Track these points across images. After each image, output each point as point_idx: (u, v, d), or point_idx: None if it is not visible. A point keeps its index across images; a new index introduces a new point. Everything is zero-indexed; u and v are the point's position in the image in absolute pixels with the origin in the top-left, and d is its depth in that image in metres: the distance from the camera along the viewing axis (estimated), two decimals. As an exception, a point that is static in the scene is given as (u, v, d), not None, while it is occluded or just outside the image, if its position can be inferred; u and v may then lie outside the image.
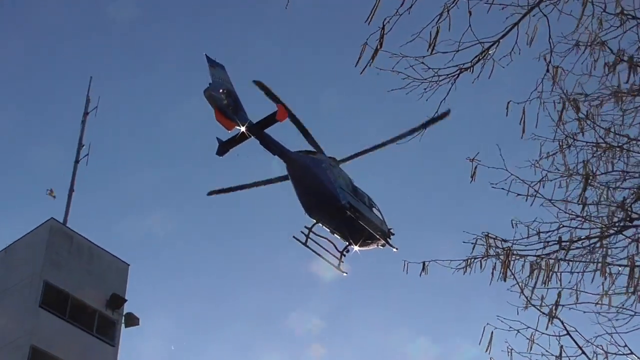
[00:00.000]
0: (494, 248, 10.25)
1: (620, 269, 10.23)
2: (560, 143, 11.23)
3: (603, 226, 10.19)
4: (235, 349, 55.08)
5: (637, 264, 9.99)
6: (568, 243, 9.84)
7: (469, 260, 10.56)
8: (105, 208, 53.14)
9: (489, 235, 9.93)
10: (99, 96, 36.87)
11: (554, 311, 9.66)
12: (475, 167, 10.69)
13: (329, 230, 22.45)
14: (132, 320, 32.27)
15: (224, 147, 21.66)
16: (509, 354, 10.18)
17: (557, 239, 9.97)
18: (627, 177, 10.89)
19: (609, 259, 10.29)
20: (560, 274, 10.37)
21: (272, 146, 21.73)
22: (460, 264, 10.71)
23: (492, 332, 10.23)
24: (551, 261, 10.16)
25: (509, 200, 11.64)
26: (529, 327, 10.17)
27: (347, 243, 22.57)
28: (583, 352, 9.90)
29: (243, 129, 20.80)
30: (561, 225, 10.50)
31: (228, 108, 20.88)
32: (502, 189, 10.43)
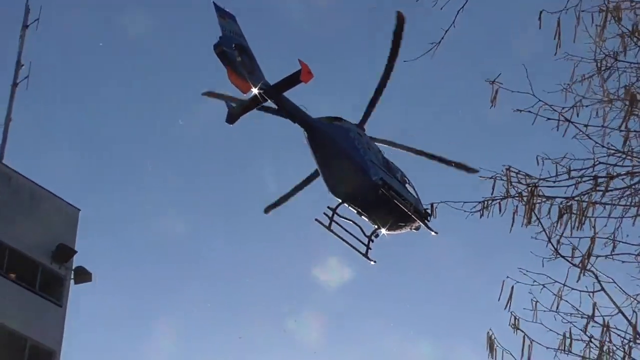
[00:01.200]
0: (515, 187, 10.13)
1: (665, 213, 10.14)
2: (599, 64, 11.05)
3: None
4: (207, 309, 55.40)
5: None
6: (606, 179, 9.70)
7: (486, 202, 10.46)
8: (50, 142, 52.56)
9: (510, 169, 9.77)
10: (40, 5, 36.05)
11: (585, 262, 9.57)
12: (497, 91, 10.52)
13: (355, 212, 22.29)
14: (82, 276, 32.21)
15: (234, 114, 21.05)
16: (534, 309, 10.14)
17: (591, 177, 9.83)
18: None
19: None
20: (595, 220, 10.27)
21: (293, 112, 21.25)
22: (475, 207, 10.62)
23: (512, 287, 10.18)
24: (584, 204, 10.03)
25: (535, 132, 11.49)
26: (556, 281, 10.12)
27: (376, 227, 22.07)
28: (620, 312, 9.87)
29: (254, 90, 20.33)
30: (597, 162, 10.36)
31: (243, 67, 20.14)
32: (529, 111, 10.24)
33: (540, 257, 10.38)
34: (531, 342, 10.06)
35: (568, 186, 9.91)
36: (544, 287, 10.10)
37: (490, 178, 10.20)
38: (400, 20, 19.80)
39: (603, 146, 10.23)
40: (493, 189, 10.32)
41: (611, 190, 10.16)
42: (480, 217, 10.73)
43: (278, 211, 22.83)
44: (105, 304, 47.56)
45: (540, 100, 10.39)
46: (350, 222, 21.73)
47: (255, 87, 19.96)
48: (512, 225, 10.51)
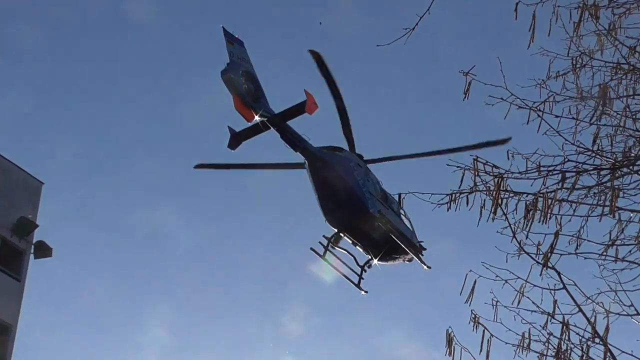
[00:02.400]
0: (483, 182, 10.16)
1: (631, 215, 10.23)
2: (574, 61, 11.12)
3: (616, 162, 10.14)
4: (174, 289, 55.22)
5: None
6: (574, 174, 9.75)
7: (454, 195, 10.49)
8: (12, 107, 51.89)
9: (478, 159, 9.80)
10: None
11: (548, 257, 9.62)
12: (470, 83, 10.54)
13: (350, 242, 22.48)
14: (43, 251, 32.01)
15: (237, 139, 21.39)
16: (494, 307, 10.19)
17: (559, 171, 9.88)
18: (649, 107, 10.83)
19: (619, 203, 10.28)
20: (561, 218, 10.35)
21: (295, 140, 21.30)
22: (443, 199, 10.65)
23: (475, 281, 10.23)
24: (550, 200, 10.09)
25: (506, 128, 11.56)
26: (519, 277, 10.17)
27: (370, 257, 22.58)
28: (580, 310, 9.93)
29: (258, 118, 20.65)
30: (566, 159, 10.43)
31: (248, 94, 20.61)
32: (501, 98, 10.25)
33: (505, 252, 10.45)
34: (490, 337, 10.11)
35: (534, 179, 9.94)
36: (507, 282, 10.14)
37: (460, 169, 10.22)
38: (317, 58, 19.98)
39: (573, 144, 10.30)
40: (461, 181, 10.35)
41: (579, 189, 10.23)
42: (448, 210, 10.78)
43: (276, 209, 23.20)
44: (64, 279, 47.27)
45: (512, 94, 10.43)
46: (344, 251, 22.38)
47: (260, 116, 20.47)
48: (479, 219, 10.56)
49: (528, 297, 10.21)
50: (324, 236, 21.86)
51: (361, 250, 22.27)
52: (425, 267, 22.70)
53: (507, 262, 10.38)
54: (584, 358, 9.83)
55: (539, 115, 10.31)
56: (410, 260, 22.76)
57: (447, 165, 10.01)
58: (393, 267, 23.30)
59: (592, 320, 9.96)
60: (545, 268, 9.68)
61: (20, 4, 49.47)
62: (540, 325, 10.22)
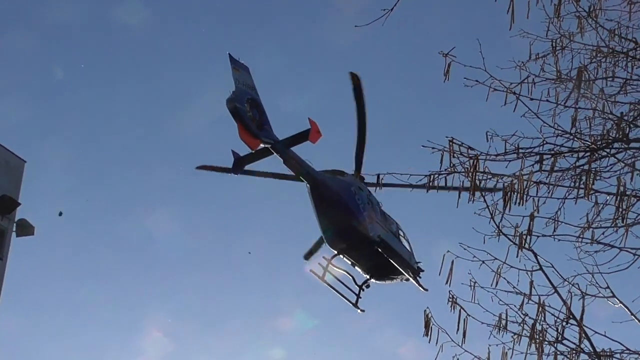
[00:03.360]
0: (461, 163, 10.25)
1: (607, 197, 10.36)
2: (554, 43, 11.21)
3: (594, 145, 10.25)
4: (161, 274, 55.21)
5: (628, 192, 10.11)
6: (550, 157, 9.86)
7: (432, 176, 10.58)
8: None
9: (453, 140, 9.88)
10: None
11: (524, 238, 9.74)
12: (449, 64, 10.60)
13: (349, 263, 23.08)
14: (25, 229, 31.95)
15: (240, 163, 22.04)
16: (472, 288, 10.31)
17: (536, 153, 9.98)
18: (629, 90, 10.94)
19: (596, 186, 10.40)
20: (538, 200, 10.46)
21: (298, 166, 21.90)
22: (421, 180, 10.74)
23: (452, 262, 10.33)
24: (526, 182, 10.19)
25: (486, 110, 11.64)
26: (496, 258, 10.28)
27: (368, 277, 23.36)
28: (556, 291, 10.06)
29: (262, 145, 21.29)
30: (544, 142, 10.53)
31: (253, 122, 21.10)
32: (477, 81, 10.33)
33: (483, 234, 10.56)
34: (467, 317, 10.24)
35: (510, 161, 10.04)
36: (484, 263, 10.25)
37: (439, 150, 10.30)
38: (356, 82, 20.89)
39: (551, 126, 10.39)
40: (441, 162, 10.43)
41: (556, 171, 10.33)
42: (427, 191, 10.87)
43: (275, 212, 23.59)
44: (46, 258, 47.24)
45: (491, 76, 10.51)
46: (342, 271, 23.00)
47: (264, 143, 20.85)
48: (457, 200, 10.66)
49: (505, 279, 10.34)
50: (323, 257, 22.74)
51: (359, 270, 23.04)
52: (421, 289, 23.22)
53: (484, 243, 10.50)
54: (559, 339, 9.98)
55: (517, 97, 10.40)
56: (407, 280, 23.31)
57: (423, 146, 10.09)
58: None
59: (568, 301, 10.10)
60: (521, 249, 9.80)
61: (9, 9, 49.12)
62: (517, 306, 10.37)
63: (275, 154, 21.19)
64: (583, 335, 9.89)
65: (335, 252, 22.66)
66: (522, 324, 10.03)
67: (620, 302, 10.28)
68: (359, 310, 22.94)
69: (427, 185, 10.68)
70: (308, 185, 21.90)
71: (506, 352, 10.23)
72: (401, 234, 23.71)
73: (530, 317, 10.06)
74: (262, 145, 21.14)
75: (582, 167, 10.26)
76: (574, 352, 9.91)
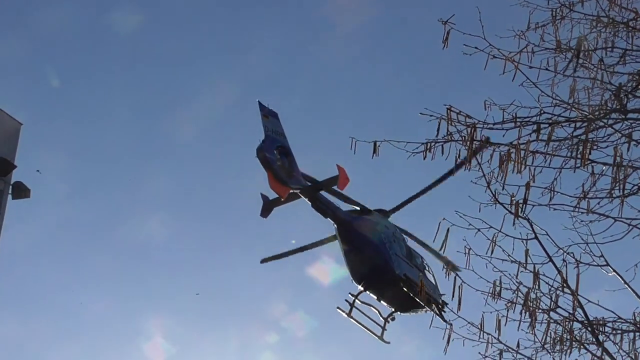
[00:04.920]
0: (459, 132, 10.34)
1: (604, 168, 10.46)
2: (554, 12, 11.25)
3: (591, 115, 10.34)
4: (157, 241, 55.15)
5: (624, 163, 10.20)
6: (548, 126, 9.96)
7: (429, 144, 10.68)
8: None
9: (451, 108, 9.96)
10: None
11: (519, 207, 9.85)
12: (449, 32, 10.66)
13: (375, 297, 23.84)
14: (21, 191, 32.02)
15: (269, 207, 22.82)
16: (466, 254, 10.44)
17: (533, 122, 10.07)
18: (628, 61, 11.01)
19: (592, 156, 10.49)
20: (534, 169, 10.57)
21: (325, 208, 22.67)
22: (418, 148, 10.84)
23: (448, 229, 10.45)
24: (523, 151, 10.29)
25: (484, 78, 11.72)
26: (491, 226, 10.39)
27: (393, 310, 24.11)
28: (551, 260, 10.20)
29: (290, 190, 21.92)
30: (542, 112, 10.64)
31: (282, 170, 21.68)
32: (476, 48, 10.38)
33: (479, 202, 10.69)
34: (462, 284, 10.39)
35: (507, 130, 10.13)
36: (479, 231, 10.36)
37: (436, 118, 10.39)
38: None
39: (549, 96, 10.48)
40: (438, 130, 10.53)
41: (554, 141, 10.43)
42: (424, 158, 10.98)
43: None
44: (42, 220, 47.24)
45: (490, 44, 10.57)
46: (367, 305, 23.85)
47: (293, 190, 21.28)
48: (455, 169, 10.79)
49: (500, 247, 10.45)
50: (350, 293, 23.59)
51: (385, 304, 23.90)
52: (445, 322, 23.61)
53: (480, 211, 10.63)
54: (552, 307, 10.14)
55: (515, 66, 10.47)
56: (427, 311, 23.89)
57: (421, 114, 10.18)
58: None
59: (563, 270, 10.24)
60: (516, 218, 9.92)
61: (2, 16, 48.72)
62: (512, 274, 10.52)
63: (303, 197, 22.02)
64: (577, 303, 10.05)
65: (362, 288, 23.50)
66: (516, 292, 10.19)
67: (614, 271, 10.43)
68: (386, 343, 23.93)
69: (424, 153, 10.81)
70: (335, 226, 22.73)
71: (500, 320, 10.41)
72: (426, 267, 24.44)
73: (524, 285, 10.21)
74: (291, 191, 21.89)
75: (579, 137, 10.36)
76: (567, 320, 10.07)
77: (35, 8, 47.62)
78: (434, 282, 24.30)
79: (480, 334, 10.68)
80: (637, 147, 10.24)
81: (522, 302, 10.15)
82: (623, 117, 10.52)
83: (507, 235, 10.38)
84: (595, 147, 10.31)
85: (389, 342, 23.91)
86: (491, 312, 10.41)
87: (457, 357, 11.61)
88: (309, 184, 22.23)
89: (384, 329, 23.86)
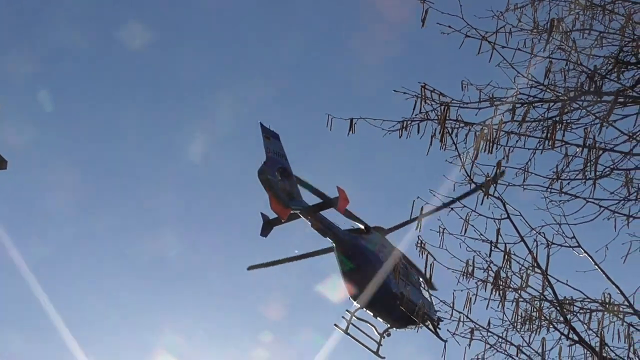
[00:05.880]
0: (435, 111, 10.44)
1: (577, 149, 10.59)
2: (533, -7, 11.33)
3: (565, 96, 10.47)
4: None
5: (598, 145, 10.35)
6: (521, 106, 10.08)
7: (405, 122, 10.78)
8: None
9: (425, 86, 10.05)
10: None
11: (490, 184, 9.95)
12: (427, 11, 10.73)
13: (371, 314, 24.59)
14: (-1, 163, 32.02)
15: (269, 226, 23.60)
16: (440, 234, 10.56)
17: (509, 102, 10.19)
18: (604, 44, 11.13)
19: (567, 138, 10.63)
20: (509, 149, 10.71)
21: (324, 228, 23.33)
22: (394, 126, 10.94)
23: (422, 208, 10.56)
24: (498, 131, 10.41)
25: (460, 58, 11.81)
26: (465, 206, 10.52)
27: (389, 326, 24.92)
28: (522, 240, 10.33)
29: (290, 211, 22.54)
30: (518, 92, 10.75)
31: (283, 192, 22.33)
32: (449, 27, 10.44)
33: (453, 181, 10.82)
34: (433, 262, 10.51)
35: (481, 109, 10.24)
36: (452, 210, 10.49)
37: (412, 97, 10.48)
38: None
39: (524, 77, 10.58)
40: (413, 109, 10.62)
41: (527, 122, 10.57)
42: (400, 137, 11.09)
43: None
44: (18, 193, 47.06)
45: (468, 24, 10.65)
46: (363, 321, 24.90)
47: (293, 210, 22.18)
48: (429, 147, 10.88)
49: (473, 226, 10.59)
50: (347, 310, 24.49)
51: (381, 321, 24.68)
52: (440, 339, 24.10)
53: (454, 190, 10.77)
54: (523, 286, 10.27)
55: (492, 47, 10.57)
56: (426, 326, 24.35)
57: (395, 91, 10.27)
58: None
59: (534, 251, 10.38)
60: (486, 196, 10.04)
61: (10, 35, 48.35)
62: (485, 254, 10.65)
63: (303, 218, 22.75)
64: (546, 283, 10.20)
65: (359, 305, 24.27)
66: (487, 271, 10.32)
67: (585, 252, 10.57)
68: (380, 358, 24.44)
69: (400, 131, 10.91)
70: (334, 245, 23.21)
71: (470, 298, 10.54)
72: (421, 284, 24.89)
73: (495, 264, 10.34)
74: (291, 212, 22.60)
75: (553, 119, 10.49)
76: (536, 299, 10.22)
77: (44, 25, 47.59)
78: (429, 299, 24.79)
79: (451, 312, 10.81)
80: (609, 129, 10.38)
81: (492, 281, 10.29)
82: (598, 99, 10.65)
83: (480, 214, 10.51)
84: (569, 129, 10.44)
85: (384, 358, 24.73)
86: (462, 291, 10.55)
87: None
88: (309, 205, 22.94)
89: (379, 344, 24.79)
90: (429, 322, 23.95)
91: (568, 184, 10.53)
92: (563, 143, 10.45)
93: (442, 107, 9.89)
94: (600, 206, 10.48)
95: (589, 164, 10.23)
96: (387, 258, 24.25)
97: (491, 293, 10.23)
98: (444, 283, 11.16)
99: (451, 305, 10.78)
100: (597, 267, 10.52)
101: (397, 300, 23.57)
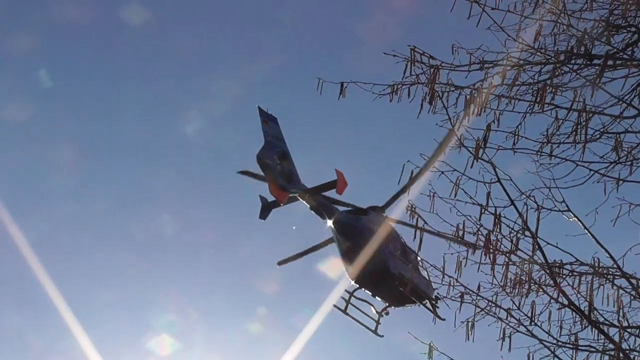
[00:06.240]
0: (426, 74, 10.41)
1: (568, 113, 10.57)
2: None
3: (557, 60, 10.45)
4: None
5: (588, 109, 10.34)
6: (510, 69, 10.06)
7: (396, 86, 10.76)
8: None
9: (415, 49, 10.03)
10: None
11: (479, 147, 9.92)
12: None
13: (370, 294, 24.72)
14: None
15: (267, 209, 23.62)
16: (431, 198, 10.55)
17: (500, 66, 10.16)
18: (594, 7, 11.09)
19: (557, 101, 10.63)
20: (499, 113, 10.69)
21: (323, 209, 23.46)
22: (385, 90, 10.92)
23: (412, 172, 10.55)
24: (487, 94, 10.39)
25: (452, 22, 11.77)
26: (455, 169, 10.49)
27: (387, 305, 25.03)
28: (513, 204, 10.31)
29: (289, 195, 22.89)
30: (509, 56, 10.73)
31: (282, 175, 22.44)
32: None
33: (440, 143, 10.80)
34: (423, 225, 10.49)
35: (471, 71, 10.21)
36: (443, 173, 10.46)
37: (402, 60, 10.46)
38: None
39: (515, 40, 10.55)
40: (404, 72, 10.61)
41: (517, 85, 10.55)
42: (390, 101, 11.07)
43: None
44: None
45: (458, -13, 10.59)
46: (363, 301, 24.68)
47: (292, 194, 22.43)
48: (419, 111, 10.87)
49: (463, 190, 10.57)
50: (345, 290, 24.62)
51: (379, 300, 24.77)
52: (438, 318, 24.27)
53: (445, 154, 10.74)
54: (513, 249, 10.29)
55: (482, 9, 10.53)
56: (425, 304, 24.60)
57: (385, 54, 10.24)
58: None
59: (524, 214, 10.37)
60: (476, 159, 10.02)
61: (11, 12, 47.71)
62: (476, 218, 10.65)
63: (301, 200, 22.83)
64: (536, 246, 10.21)
65: (357, 285, 24.35)
66: (476, 234, 10.33)
67: (575, 217, 10.59)
68: (380, 337, 24.81)
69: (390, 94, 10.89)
70: (332, 227, 23.55)
71: (461, 262, 10.57)
72: (420, 263, 25.05)
73: (485, 228, 10.35)
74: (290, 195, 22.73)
75: (543, 82, 10.47)
76: (525, 262, 10.25)
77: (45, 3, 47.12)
78: (427, 278, 25.00)
79: (442, 276, 10.83)
80: (600, 93, 10.37)
81: (482, 244, 10.30)
82: (588, 62, 10.64)
83: (470, 178, 10.50)
84: (559, 93, 10.43)
85: (382, 336, 24.98)
86: (452, 254, 10.57)
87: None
88: (308, 187, 22.97)
89: (378, 322, 24.92)
90: (427, 300, 24.26)
91: (558, 146, 10.52)
92: (553, 106, 10.44)
93: (432, 69, 9.86)
94: (590, 169, 10.50)
95: (578, 127, 10.22)
96: (386, 239, 24.52)
97: (481, 256, 10.24)
98: (435, 248, 11.16)
99: (441, 269, 10.81)
100: (586, 231, 10.55)
101: (396, 279, 23.88)
